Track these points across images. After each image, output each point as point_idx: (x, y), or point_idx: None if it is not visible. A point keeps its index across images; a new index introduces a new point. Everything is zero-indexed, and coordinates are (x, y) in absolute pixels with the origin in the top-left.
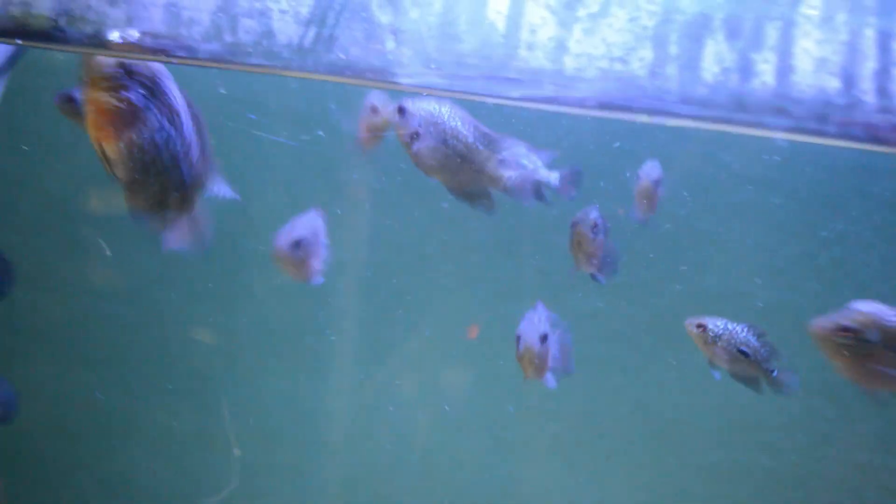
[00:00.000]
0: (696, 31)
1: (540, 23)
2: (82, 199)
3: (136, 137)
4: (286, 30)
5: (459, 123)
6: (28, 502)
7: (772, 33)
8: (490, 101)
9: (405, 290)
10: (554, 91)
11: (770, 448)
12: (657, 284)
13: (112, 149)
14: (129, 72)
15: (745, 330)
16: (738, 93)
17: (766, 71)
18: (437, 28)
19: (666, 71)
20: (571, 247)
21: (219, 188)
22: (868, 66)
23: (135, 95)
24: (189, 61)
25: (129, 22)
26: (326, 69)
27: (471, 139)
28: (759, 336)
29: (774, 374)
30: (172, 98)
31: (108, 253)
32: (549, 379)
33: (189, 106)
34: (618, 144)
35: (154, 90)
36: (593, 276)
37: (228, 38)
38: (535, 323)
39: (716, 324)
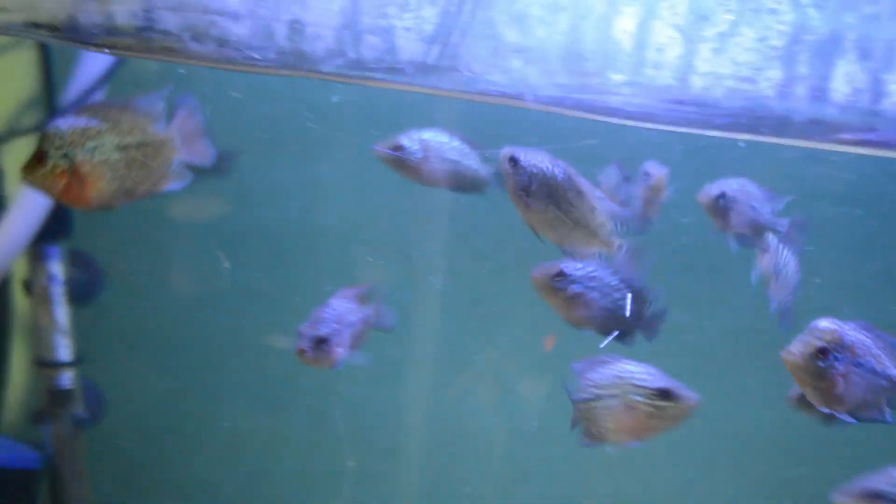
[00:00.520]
0: (827, 51)
1: (667, 42)
2: (170, 205)
3: None
4: (409, 47)
5: (571, 181)
6: (106, 501)
7: None
8: (615, 121)
9: (482, 300)
10: (680, 110)
11: (852, 463)
12: (736, 299)
13: None
14: None
15: None
16: (868, 112)
17: None
18: (564, 47)
19: (795, 91)
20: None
21: None
22: None
23: None
24: (312, 75)
25: (253, 38)
26: (450, 86)
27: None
28: None
29: None
30: None
31: (227, 265)
32: None
33: None
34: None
35: None
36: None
37: (352, 54)
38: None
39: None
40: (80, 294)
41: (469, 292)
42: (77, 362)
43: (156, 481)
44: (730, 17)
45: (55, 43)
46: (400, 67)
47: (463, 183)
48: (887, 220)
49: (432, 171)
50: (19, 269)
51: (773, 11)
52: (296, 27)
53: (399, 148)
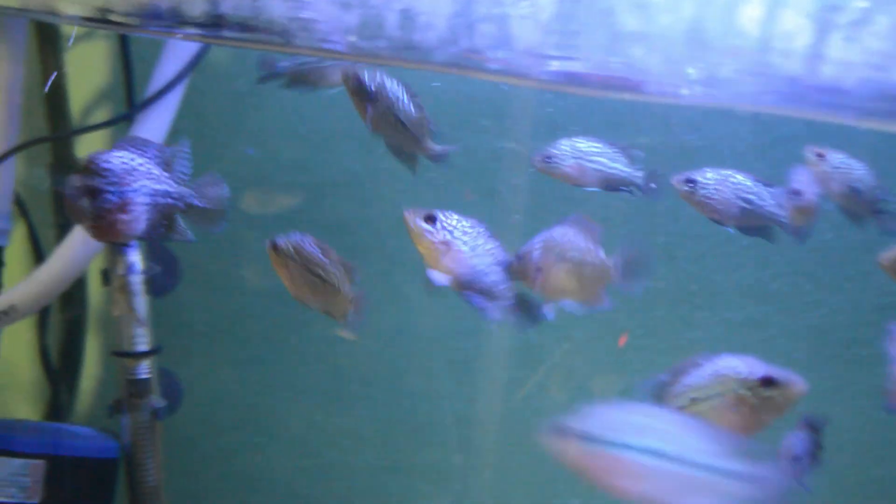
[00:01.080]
0: None
1: (796, 30)
2: (241, 199)
3: None
4: (525, 35)
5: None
6: (177, 490)
7: None
8: (740, 109)
9: None
10: (807, 99)
11: None
12: (815, 295)
13: None
14: None
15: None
16: None
17: None
18: (686, 34)
19: None
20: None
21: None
22: None
23: None
24: (423, 66)
25: (364, 27)
26: (566, 79)
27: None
28: None
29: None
30: None
31: None
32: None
33: None
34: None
35: None
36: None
37: (465, 43)
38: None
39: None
40: (158, 285)
41: None
42: (155, 352)
43: (227, 473)
44: (863, 3)
45: (158, 35)
46: (513, 58)
47: (613, 184)
48: None
49: (584, 176)
50: (97, 260)
51: None
52: (407, 15)
53: (549, 158)
